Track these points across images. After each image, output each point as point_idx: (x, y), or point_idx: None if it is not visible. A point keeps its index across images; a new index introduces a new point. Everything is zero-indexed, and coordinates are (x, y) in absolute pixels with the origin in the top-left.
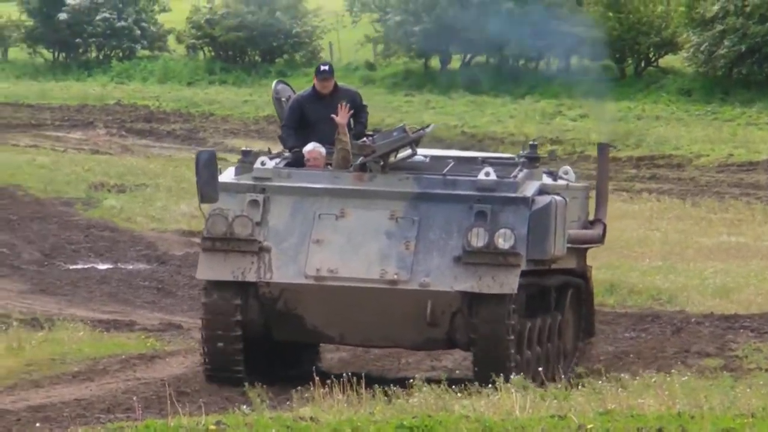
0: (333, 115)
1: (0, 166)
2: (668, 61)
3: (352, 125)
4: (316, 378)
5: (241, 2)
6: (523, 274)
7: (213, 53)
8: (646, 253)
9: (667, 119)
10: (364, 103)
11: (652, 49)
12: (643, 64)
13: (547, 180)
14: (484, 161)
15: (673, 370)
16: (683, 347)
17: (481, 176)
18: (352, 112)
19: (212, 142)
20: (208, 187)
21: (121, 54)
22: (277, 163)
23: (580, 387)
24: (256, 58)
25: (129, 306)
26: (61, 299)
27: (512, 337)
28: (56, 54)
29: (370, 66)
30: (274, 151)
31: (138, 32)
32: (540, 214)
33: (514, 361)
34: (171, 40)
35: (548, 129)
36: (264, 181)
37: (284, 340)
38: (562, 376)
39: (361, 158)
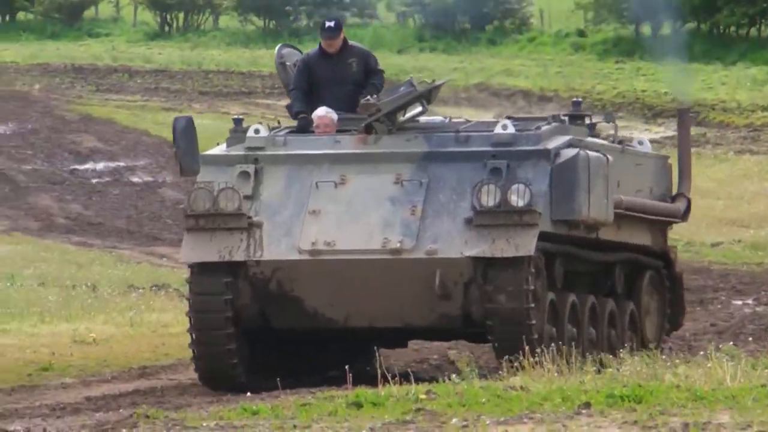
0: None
1: (210, 134)
2: None
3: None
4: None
5: None
6: (552, 237)
7: (423, 20)
8: None
9: None
10: (379, 67)
11: None
12: None
13: (598, 141)
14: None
15: None
16: None
17: (498, 130)
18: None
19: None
20: (188, 158)
21: None
22: (276, 132)
23: None
24: (466, 25)
25: None
26: None
27: (532, 305)
28: (266, 22)
29: (581, 33)
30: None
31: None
32: (565, 167)
33: (540, 331)
34: (381, 7)
35: (760, 96)
36: (257, 151)
37: (283, 328)
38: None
39: (366, 119)
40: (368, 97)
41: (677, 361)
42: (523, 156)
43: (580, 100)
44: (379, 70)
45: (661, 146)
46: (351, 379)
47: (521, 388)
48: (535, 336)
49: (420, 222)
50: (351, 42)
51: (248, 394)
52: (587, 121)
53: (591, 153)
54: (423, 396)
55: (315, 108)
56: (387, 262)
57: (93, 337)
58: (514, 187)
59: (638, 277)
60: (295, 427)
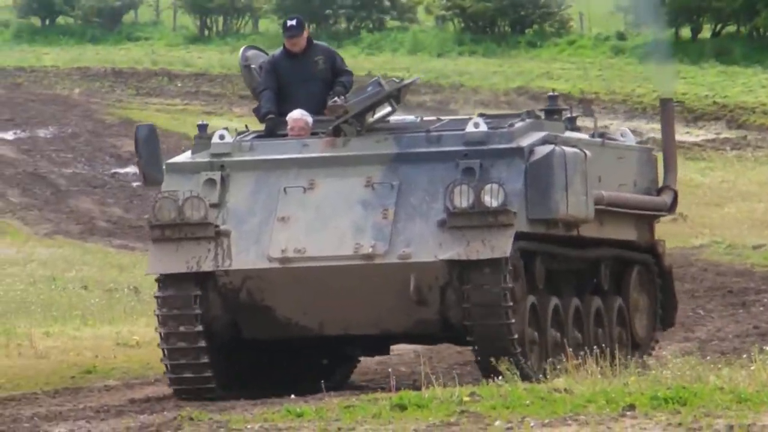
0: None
1: None
2: None
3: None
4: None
5: None
6: (530, 237)
7: (462, 24)
8: None
9: None
10: (347, 68)
11: None
12: None
13: (576, 135)
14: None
15: None
16: None
17: (470, 128)
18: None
19: (463, 113)
20: (150, 167)
21: (371, 25)
22: (242, 137)
23: None
24: (506, 28)
25: None
26: None
27: (511, 311)
28: (307, 25)
29: (620, 36)
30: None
31: (388, 3)
32: (539, 165)
33: (520, 335)
34: (420, 11)
35: None
36: (222, 157)
37: (257, 338)
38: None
39: (334, 121)
40: (335, 98)
41: (721, 363)
42: (496, 154)
43: (556, 94)
44: (347, 70)
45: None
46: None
47: (565, 390)
48: (515, 336)
49: (392, 226)
50: (316, 41)
51: (292, 396)
52: (566, 115)
53: (567, 149)
54: (467, 398)
55: (282, 108)
56: (359, 267)
57: (136, 339)
58: (488, 186)
59: (626, 272)
60: (339, 429)
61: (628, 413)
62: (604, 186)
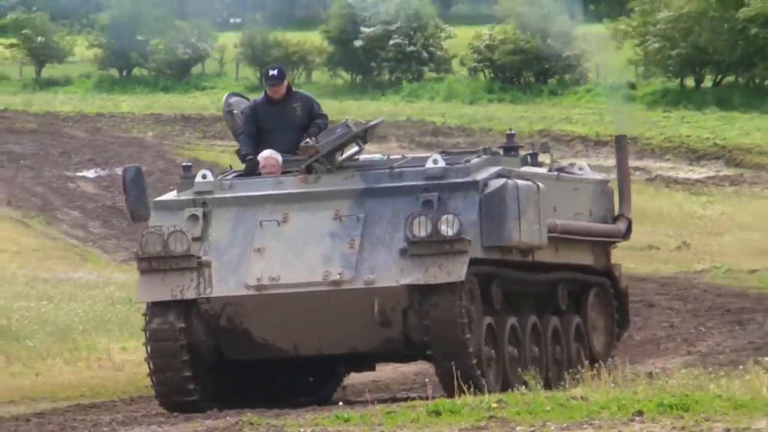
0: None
1: None
2: None
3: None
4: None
5: (517, 30)
6: (486, 262)
7: (492, 75)
8: None
9: None
10: (323, 113)
11: None
12: None
13: (533, 170)
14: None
15: None
16: None
17: (429, 164)
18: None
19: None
20: (137, 204)
21: (410, 76)
22: (223, 177)
23: None
24: (531, 78)
25: None
26: None
27: (467, 334)
28: (353, 76)
29: (632, 86)
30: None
31: (426, 56)
32: (493, 196)
33: (478, 353)
34: (455, 63)
35: None
36: (204, 195)
37: (237, 359)
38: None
39: (306, 160)
40: (307, 140)
41: (720, 374)
42: (452, 188)
43: (513, 132)
44: (322, 114)
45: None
46: (432, 389)
47: (581, 397)
48: (471, 350)
49: (358, 254)
50: (295, 89)
51: (340, 403)
52: (527, 151)
53: (520, 182)
54: (495, 405)
55: (261, 150)
56: (328, 293)
57: None
58: (444, 217)
59: (584, 294)
60: None
61: (637, 418)
62: (559, 215)
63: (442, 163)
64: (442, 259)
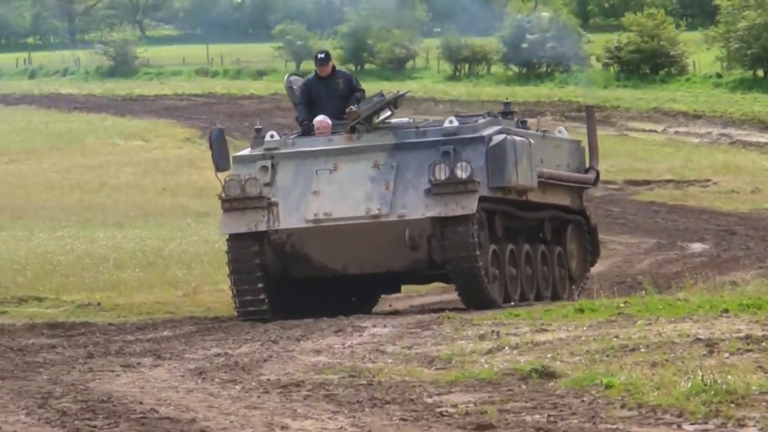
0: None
1: None
2: None
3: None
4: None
5: (637, 36)
6: (491, 200)
7: (619, 68)
8: None
9: None
10: (360, 87)
11: None
12: None
13: (524, 130)
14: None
15: None
16: None
17: (446, 124)
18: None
19: (619, 124)
20: (221, 159)
21: (561, 69)
22: (287, 136)
23: None
24: (647, 70)
25: None
26: None
27: (478, 253)
28: (520, 69)
29: (718, 75)
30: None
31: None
32: (496, 148)
33: (485, 270)
34: (593, 59)
35: None
36: (273, 150)
37: (299, 277)
38: (564, 296)
39: (350, 123)
40: (351, 107)
41: None
42: (465, 142)
43: (509, 101)
44: (360, 88)
45: None
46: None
47: (684, 299)
48: (481, 264)
49: (392, 194)
50: (338, 68)
51: (512, 303)
52: (519, 117)
53: (517, 138)
54: (622, 305)
55: (314, 116)
56: (370, 224)
57: None
58: (459, 164)
59: (563, 228)
60: (542, 323)
61: (724, 314)
62: (545, 165)
63: (456, 123)
64: (458, 197)
